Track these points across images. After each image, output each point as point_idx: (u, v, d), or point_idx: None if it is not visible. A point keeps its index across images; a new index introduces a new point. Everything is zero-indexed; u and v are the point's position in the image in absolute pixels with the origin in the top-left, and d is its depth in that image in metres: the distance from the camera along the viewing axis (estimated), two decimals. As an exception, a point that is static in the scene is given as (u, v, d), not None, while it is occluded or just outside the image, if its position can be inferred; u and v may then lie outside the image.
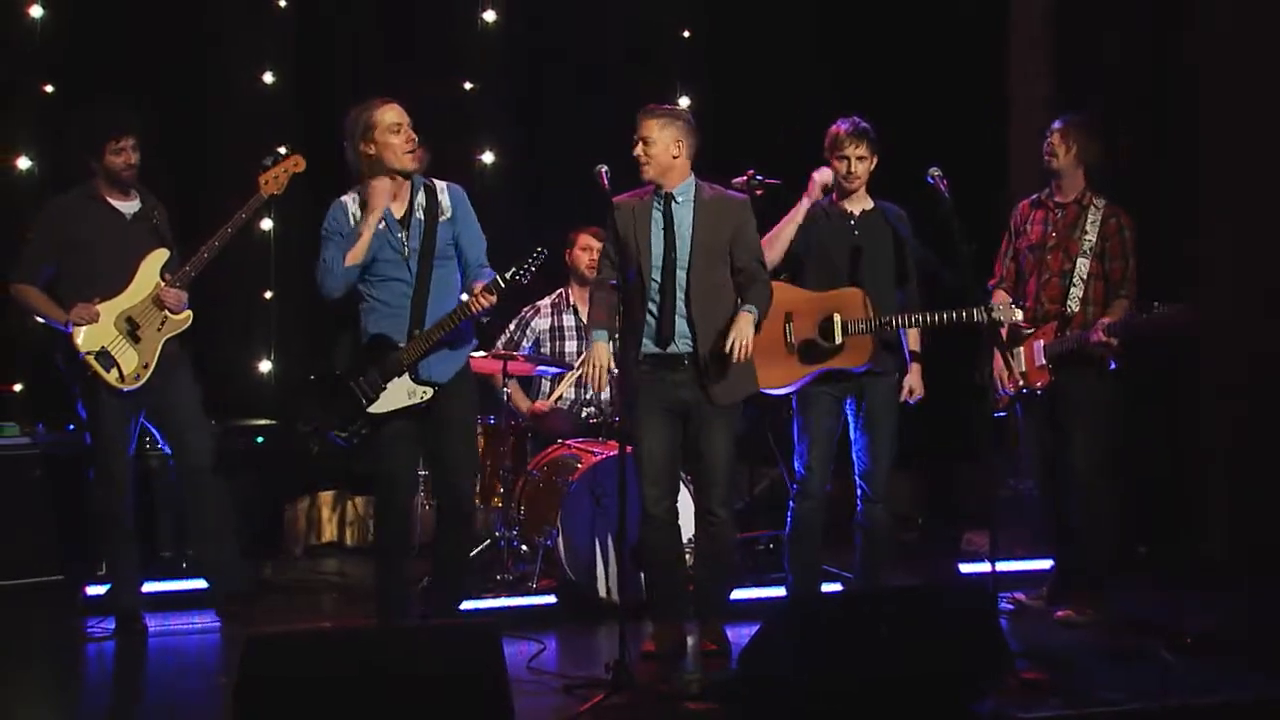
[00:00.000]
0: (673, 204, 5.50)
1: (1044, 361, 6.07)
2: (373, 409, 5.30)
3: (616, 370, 5.58)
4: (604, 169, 5.38)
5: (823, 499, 5.85)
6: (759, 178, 6.18)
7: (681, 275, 5.46)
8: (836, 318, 5.72)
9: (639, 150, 5.46)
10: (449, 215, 5.41)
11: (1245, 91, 7.14)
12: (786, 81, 8.17)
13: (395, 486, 5.42)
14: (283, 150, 6.03)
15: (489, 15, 8.04)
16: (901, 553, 6.71)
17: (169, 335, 5.88)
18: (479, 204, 5.54)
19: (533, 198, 8.05)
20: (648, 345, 5.49)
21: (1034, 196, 6.27)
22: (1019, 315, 5.73)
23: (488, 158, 8.03)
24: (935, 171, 5.61)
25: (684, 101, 8.00)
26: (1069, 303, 6.06)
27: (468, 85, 8.03)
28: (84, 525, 6.41)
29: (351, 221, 5.30)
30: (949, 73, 8.05)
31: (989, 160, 7.98)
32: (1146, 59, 7.50)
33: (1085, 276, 6.05)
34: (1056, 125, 6.15)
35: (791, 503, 5.90)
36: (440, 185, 5.45)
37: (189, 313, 5.92)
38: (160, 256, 5.89)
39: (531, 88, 8.17)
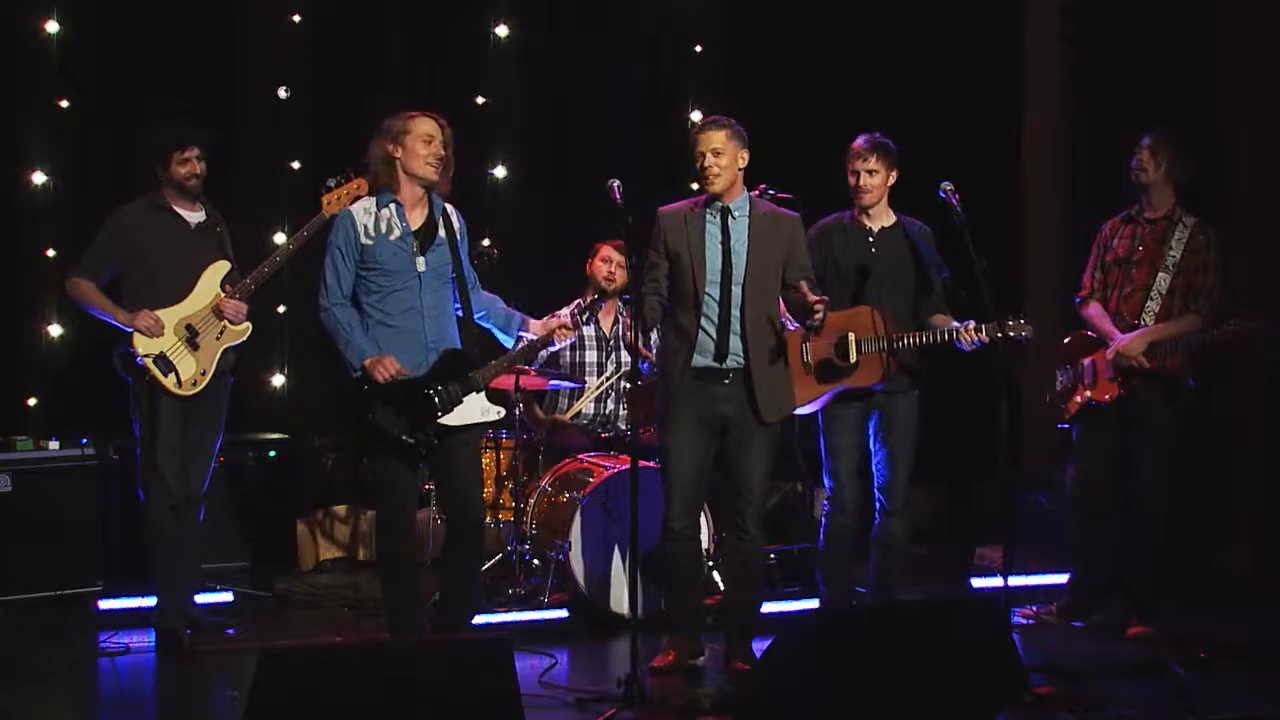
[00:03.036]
0: (729, 218, 5.49)
1: (1112, 374, 6.07)
2: (445, 420, 5.30)
3: (628, 385, 5.57)
4: (616, 183, 5.36)
5: (855, 513, 5.85)
6: (771, 192, 6.18)
7: (737, 291, 5.44)
8: (851, 337, 5.72)
9: (710, 162, 5.43)
10: (460, 236, 5.45)
11: (1266, 98, 7.14)
12: (800, 95, 8.17)
13: (398, 497, 5.39)
14: (341, 174, 6.02)
15: (501, 30, 8.06)
16: (914, 567, 6.69)
17: (227, 345, 5.98)
18: (491, 219, 5.56)
19: (545, 212, 8.06)
20: (700, 359, 5.46)
21: (1124, 212, 6.24)
22: (1028, 331, 5.72)
23: (500, 172, 8.04)
24: (947, 186, 5.61)
25: (695, 116, 8.02)
26: (1144, 317, 6.05)
27: (480, 100, 8.04)
28: (115, 537, 6.48)
29: (361, 234, 5.31)
30: (962, 88, 8.05)
31: (1002, 175, 7.98)
32: (1161, 73, 7.50)
33: (1164, 292, 6.04)
34: (1145, 141, 6.10)
35: (824, 519, 5.91)
36: (450, 208, 5.47)
37: (248, 324, 6.01)
38: (222, 268, 6.00)
39: (543, 103, 8.18)
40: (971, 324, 5.62)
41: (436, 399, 5.26)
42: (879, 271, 5.82)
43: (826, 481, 5.88)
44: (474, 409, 5.34)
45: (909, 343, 5.71)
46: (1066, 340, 6.32)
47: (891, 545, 5.88)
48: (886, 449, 5.84)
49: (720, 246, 5.46)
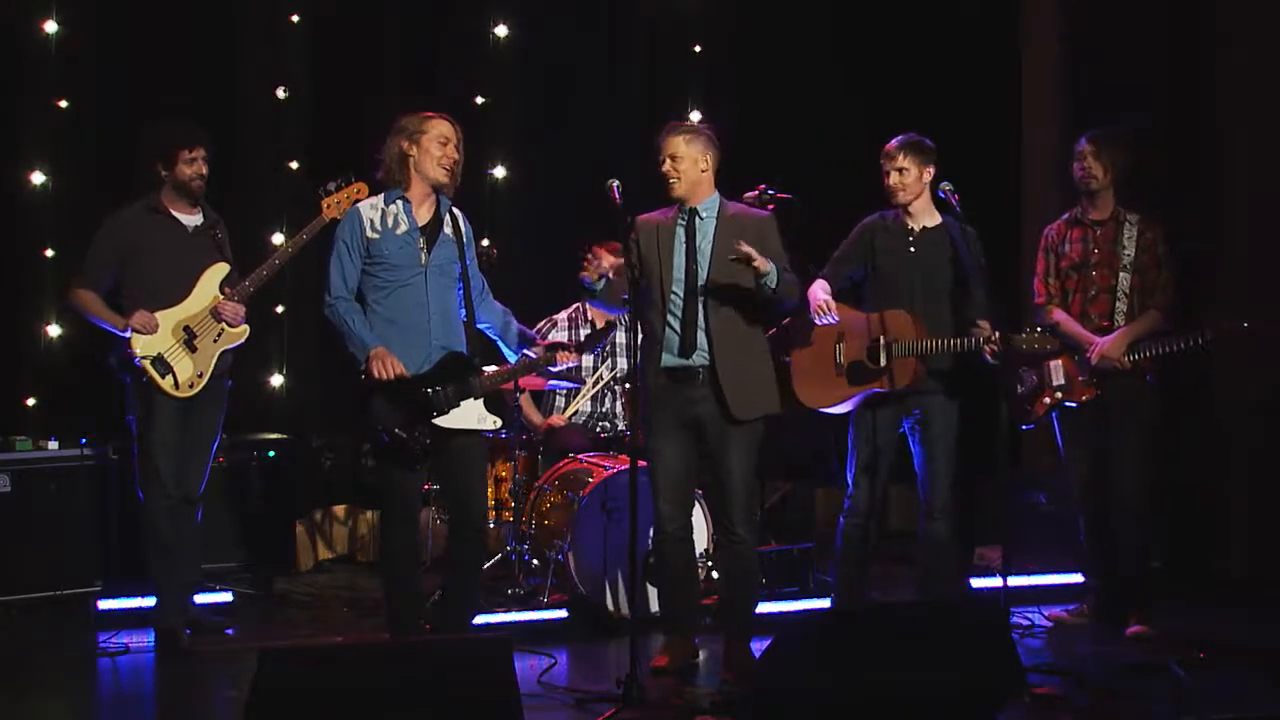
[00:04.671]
0: (696, 219, 5.50)
1: (1086, 376, 6.07)
2: (440, 422, 5.29)
3: (628, 385, 5.58)
4: (615, 184, 5.36)
5: (870, 516, 5.85)
6: (770, 192, 6.17)
7: (701, 290, 5.44)
8: (881, 340, 5.71)
9: (667, 167, 5.45)
10: (466, 241, 5.46)
11: (1266, 98, 7.13)
12: (800, 96, 8.17)
13: (401, 497, 5.40)
14: (342, 177, 6.00)
15: (500, 30, 8.06)
16: (911, 568, 6.69)
17: (225, 348, 5.97)
18: (490, 219, 5.55)
19: (544, 213, 8.06)
20: (668, 359, 5.47)
21: (1066, 215, 6.25)
22: (1054, 344, 5.74)
23: (499, 173, 8.04)
24: (946, 186, 5.62)
25: (695, 116, 8.01)
26: (1115, 317, 6.05)
27: (479, 100, 8.04)
28: (114, 538, 6.50)
29: (368, 227, 5.31)
30: (962, 88, 8.04)
31: (1002, 175, 7.98)
32: (1161, 73, 7.50)
33: (1128, 291, 6.06)
34: (1085, 145, 6.11)
35: (841, 519, 5.91)
36: (457, 212, 5.48)
37: (246, 327, 6.01)
38: (221, 270, 5.99)
39: (543, 103, 8.18)
40: (996, 335, 5.59)
41: (432, 398, 5.26)
42: (916, 272, 5.80)
43: (849, 481, 5.89)
44: (470, 415, 5.34)
45: (941, 348, 5.69)
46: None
47: (936, 550, 5.85)
48: (924, 451, 5.83)
49: (685, 247, 5.47)
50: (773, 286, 5.37)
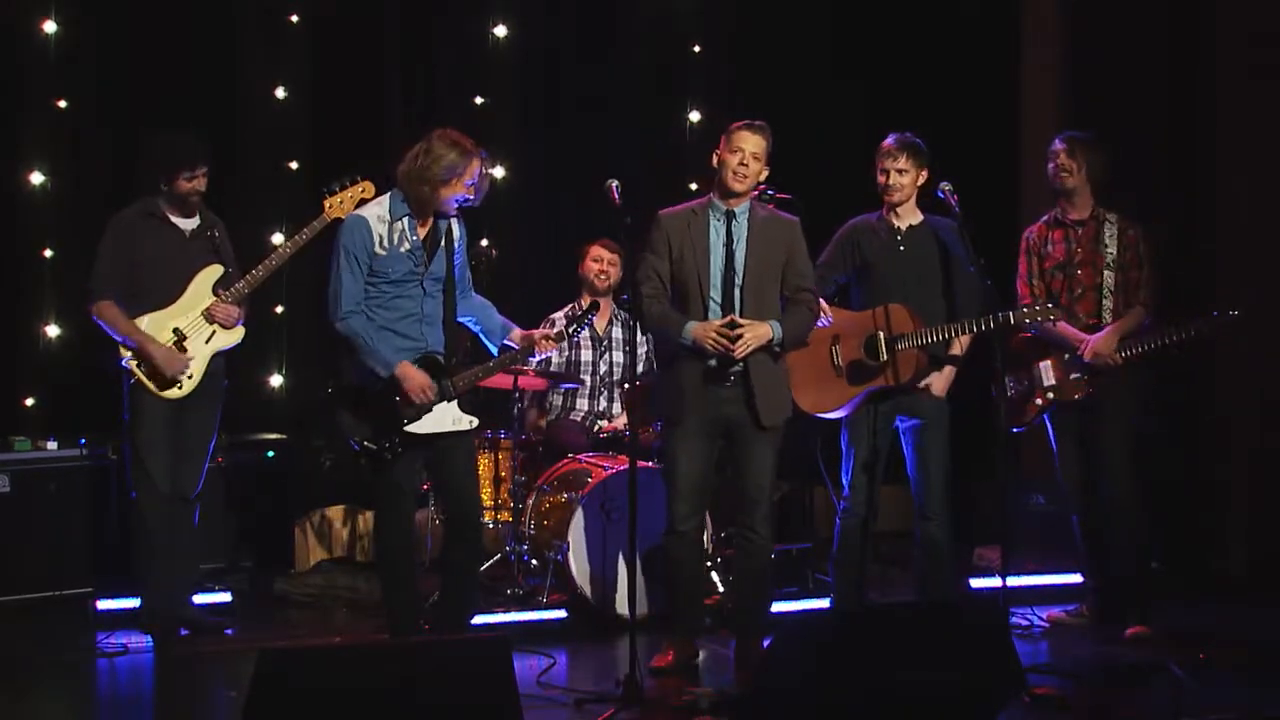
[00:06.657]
0: (733, 221, 5.50)
1: (1078, 374, 6.07)
2: (413, 428, 5.28)
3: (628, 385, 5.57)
4: (615, 183, 5.37)
5: (868, 515, 5.85)
6: (770, 191, 6.18)
7: (738, 294, 5.45)
8: (880, 335, 5.72)
9: (748, 160, 5.42)
10: (458, 242, 5.46)
11: (1266, 98, 7.13)
12: (799, 96, 8.16)
13: (396, 498, 5.41)
14: (347, 177, 5.99)
15: (500, 30, 8.06)
16: (906, 569, 6.69)
17: (217, 349, 5.97)
18: (490, 219, 5.54)
19: (543, 213, 8.05)
20: (708, 361, 5.46)
21: (1046, 217, 6.28)
22: (1056, 315, 5.74)
23: (498, 172, 8.03)
24: (946, 186, 5.64)
25: (694, 116, 8.01)
26: (1102, 315, 6.07)
27: (479, 100, 8.03)
28: (112, 538, 6.49)
29: (376, 243, 5.28)
30: (962, 88, 8.04)
31: (1001, 175, 7.98)
32: (1161, 72, 7.50)
33: (1113, 288, 6.08)
34: (1059, 145, 6.15)
35: (838, 519, 5.91)
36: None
37: (241, 329, 6.01)
38: (214, 272, 5.99)
39: (542, 103, 8.17)
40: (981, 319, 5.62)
41: (400, 406, 5.26)
42: (906, 270, 5.83)
43: (845, 481, 5.89)
44: (445, 418, 5.34)
45: (946, 334, 5.70)
46: (1011, 345, 6.27)
47: (931, 551, 5.86)
48: (916, 452, 5.84)
49: (724, 250, 5.47)
50: (779, 344, 5.43)
